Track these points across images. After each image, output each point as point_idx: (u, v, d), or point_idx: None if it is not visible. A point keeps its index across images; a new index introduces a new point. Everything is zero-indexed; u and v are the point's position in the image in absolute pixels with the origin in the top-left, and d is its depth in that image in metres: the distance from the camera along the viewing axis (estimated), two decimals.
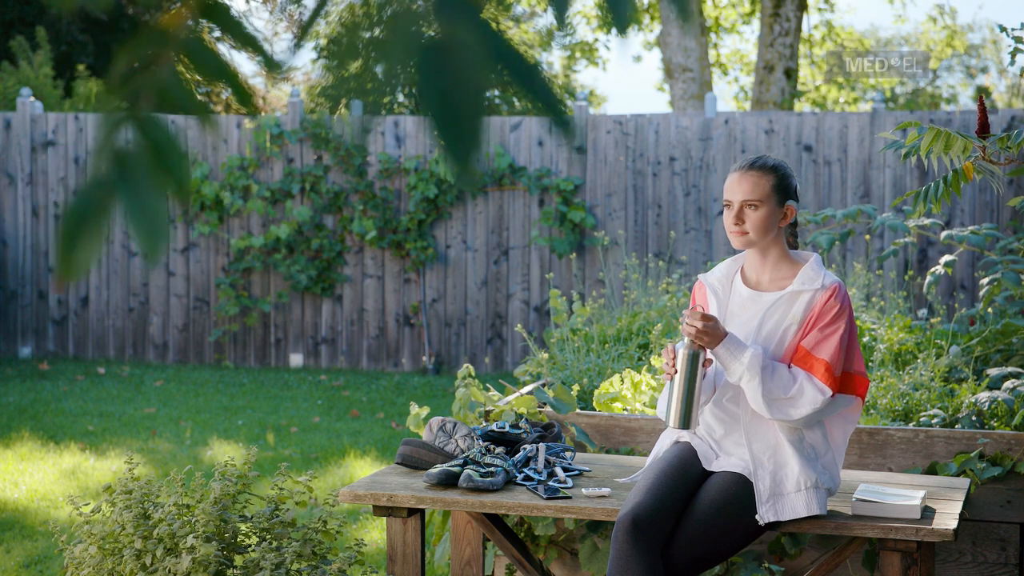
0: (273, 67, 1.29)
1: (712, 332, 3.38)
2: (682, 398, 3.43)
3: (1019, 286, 5.06)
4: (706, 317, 3.39)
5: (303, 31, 1.27)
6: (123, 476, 3.90)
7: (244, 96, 1.25)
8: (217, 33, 1.26)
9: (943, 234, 5.49)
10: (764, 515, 3.41)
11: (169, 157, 1.18)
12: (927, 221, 5.57)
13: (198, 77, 1.21)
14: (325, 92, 1.22)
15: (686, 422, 3.44)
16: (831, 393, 3.39)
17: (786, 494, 3.41)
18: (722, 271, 3.64)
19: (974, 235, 5.33)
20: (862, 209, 5.78)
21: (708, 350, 3.45)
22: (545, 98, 1.18)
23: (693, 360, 3.43)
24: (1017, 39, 4.69)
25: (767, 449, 3.43)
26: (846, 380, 3.47)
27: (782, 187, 3.53)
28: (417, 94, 1.14)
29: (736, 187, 3.52)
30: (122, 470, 6.94)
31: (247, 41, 1.24)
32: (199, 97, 1.21)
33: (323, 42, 1.25)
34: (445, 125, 1.15)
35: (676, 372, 3.43)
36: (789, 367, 3.43)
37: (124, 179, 1.16)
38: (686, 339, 3.44)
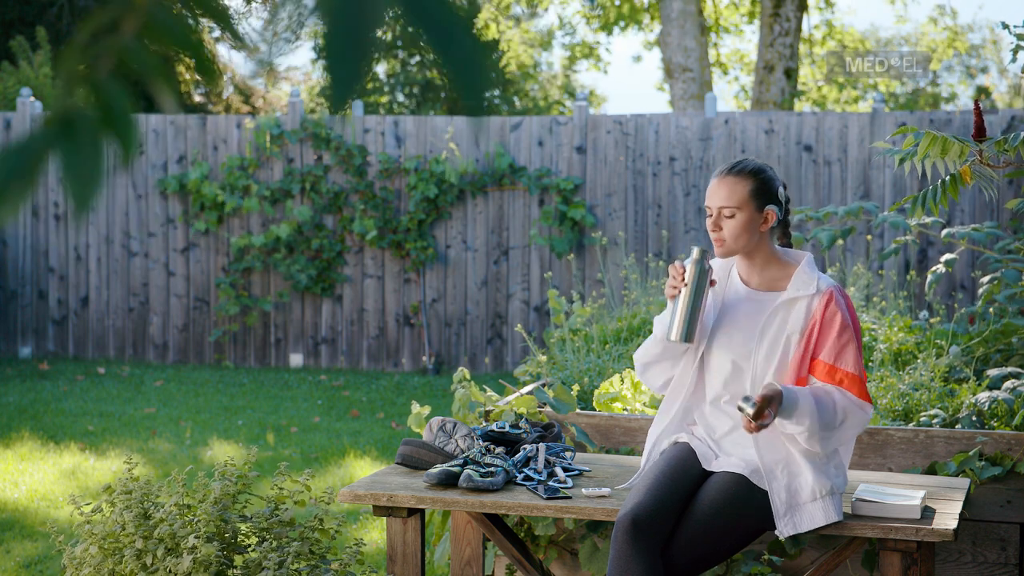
0: (236, 38, 1.29)
1: (774, 403, 3.31)
2: (687, 311, 3.44)
3: (1019, 283, 5.06)
4: (766, 401, 3.26)
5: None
6: (123, 476, 3.90)
7: (207, 68, 1.25)
8: (183, 5, 1.26)
9: (944, 232, 5.49)
10: (783, 530, 3.38)
11: (116, 116, 1.19)
12: (928, 220, 5.57)
13: (163, 45, 1.21)
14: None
15: (688, 335, 3.44)
16: (870, 405, 3.40)
17: (802, 504, 3.39)
18: (720, 264, 3.63)
19: (976, 232, 5.33)
20: (864, 206, 5.78)
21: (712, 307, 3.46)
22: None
23: (702, 275, 3.43)
24: (1019, 36, 4.69)
25: (779, 461, 3.41)
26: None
27: (761, 192, 3.49)
28: (409, 26, 1.14)
29: (714, 193, 3.50)
30: (122, 470, 6.94)
31: (216, 14, 1.24)
32: (161, 64, 1.21)
33: None
34: (447, 57, 1.15)
35: (684, 286, 3.43)
36: (823, 390, 3.38)
37: (66, 133, 1.18)
38: (695, 252, 3.45)
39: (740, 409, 3.26)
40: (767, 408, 3.26)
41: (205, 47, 1.25)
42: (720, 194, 3.48)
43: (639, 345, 6.05)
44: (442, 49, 1.14)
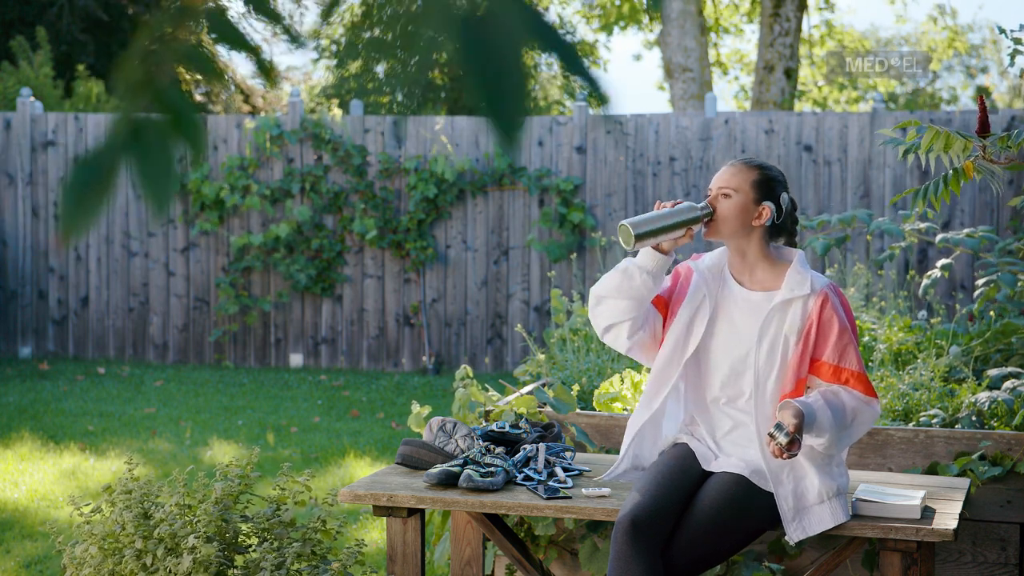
0: (295, 40, 1.31)
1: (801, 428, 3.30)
2: (654, 221, 3.43)
3: (1014, 287, 5.06)
4: (797, 431, 3.25)
5: (331, 6, 1.30)
6: (123, 476, 3.90)
7: (264, 68, 1.28)
8: (241, 9, 1.29)
9: (938, 237, 5.49)
10: (792, 535, 3.38)
11: (184, 120, 1.21)
12: (923, 225, 5.56)
13: (219, 49, 1.24)
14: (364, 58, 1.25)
15: (640, 235, 3.41)
16: (877, 402, 3.41)
17: (809, 507, 3.39)
18: (713, 260, 3.61)
19: (969, 238, 5.33)
20: (857, 215, 5.78)
21: (710, 317, 3.45)
22: (581, 69, 1.20)
23: (690, 216, 3.44)
24: (1016, 41, 4.69)
25: (784, 465, 3.41)
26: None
27: (762, 185, 3.50)
28: (459, 63, 1.17)
29: (719, 176, 3.54)
30: (122, 470, 6.94)
31: (272, 17, 1.26)
32: (219, 66, 1.23)
33: (352, 17, 1.28)
34: (489, 95, 1.16)
35: (670, 206, 3.44)
36: (831, 392, 3.39)
37: (136, 141, 1.20)
38: (704, 204, 3.47)
39: (771, 436, 3.25)
40: (798, 438, 3.25)
41: (260, 49, 1.27)
42: (723, 177, 3.53)
43: None
44: (485, 88, 1.18)
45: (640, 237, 3.41)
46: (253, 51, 1.25)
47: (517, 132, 1.17)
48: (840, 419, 3.35)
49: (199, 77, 1.23)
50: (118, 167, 1.21)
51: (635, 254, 3.51)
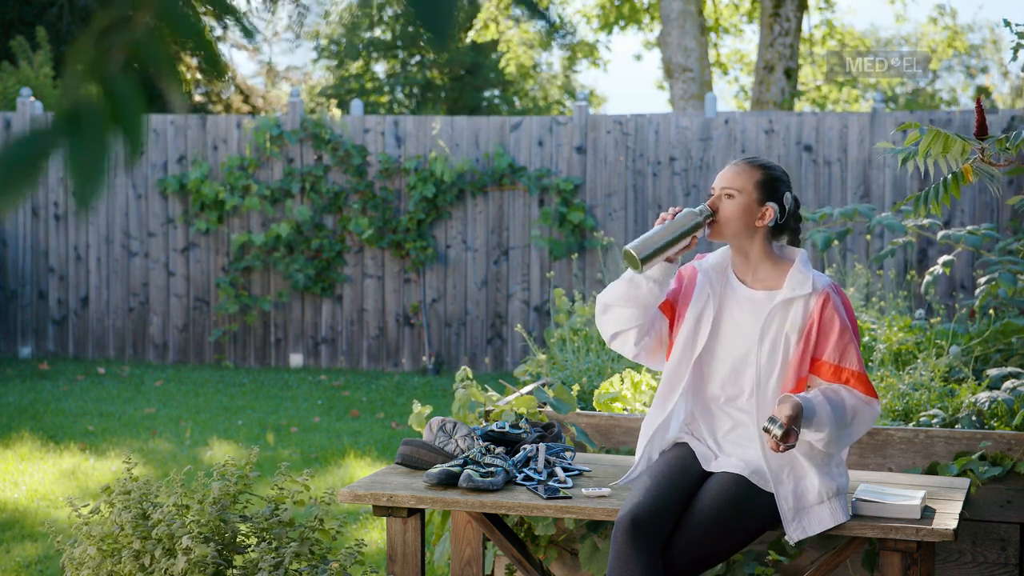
0: (247, 33, 1.30)
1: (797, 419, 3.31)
2: (656, 240, 3.43)
3: (1014, 286, 5.06)
4: (791, 423, 3.26)
5: None
6: (122, 476, 3.90)
7: (215, 62, 1.26)
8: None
9: (940, 234, 5.48)
10: (792, 535, 3.39)
11: (124, 111, 1.19)
12: (926, 221, 5.56)
13: (173, 39, 1.22)
14: None
15: (645, 258, 3.42)
16: (877, 402, 3.42)
17: (810, 507, 3.39)
18: (716, 259, 3.62)
19: (971, 235, 5.33)
20: (859, 209, 5.78)
21: (713, 317, 3.45)
22: None
23: (691, 224, 3.44)
24: (1020, 35, 4.68)
25: (784, 465, 3.41)
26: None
27: (766, 185, 3.50)
28: None
29: (722, 177, 3.54)
30: (121, 470, 6.94)
31: (226, 9, 1.25)
32: (171, 56, 1.22)
33: None
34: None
35: (670, 219, 3.44)
36: (832, 389, 3.40)
37: (72, 127, 1.18)
38: (704, 207, 3.47)
39: (766, 430, 3.25)
40: (794, 429, 3.26)
41: (214, 42, 1.26)
42: (726, 177, 3.52)
43: None
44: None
45: (646, 260, 3.43)
46: (204, 43, 1.24)
47: (446, 38, 1.20)
48: (840, 416, 3.35)
49: (152, 68, 1.22)
50: (49, 151, 1.19)
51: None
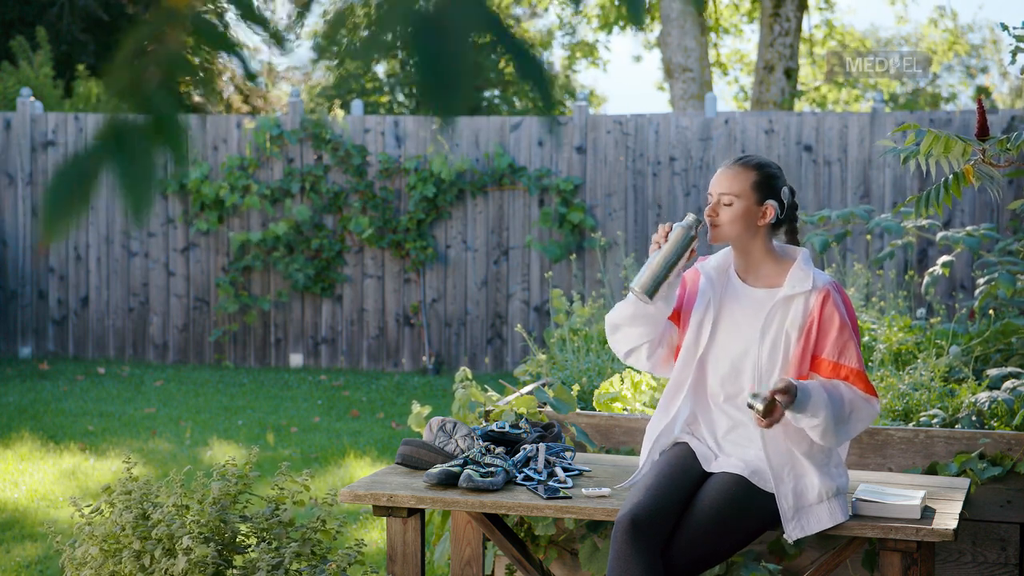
0: (280, 41, 1.31)
1: (788, 400, 3.31)
2: (658, 268, 3.44)
3: (1013, 287, 5.06)
4: (774, 395, 3.26)
5: (304, 7, 1.31)
6: (122, 476, 3.90)
7: (246, 69, 1.28)
8: (229, 10, 1.29)
9: (939, 235, 5.48)
10: (791, 533, 3.39)
11: (167, 126, 1.20)
12: (925, 222, 5.56)
13: (206, 53, 1.23)
14: (324, 49, 1.27)
15: (652, 290, 3.44)
16: (876, 400, 3.41)
17: (809, 506, 3.39)
18: (719, 260, 3.64)
19: (969, 237, 5.33)
20: (855, 212, 5.78)
21: (715, 313, 3.45)
22: (533, 72, 1.23)
23: (685, 240, 3.44)
24: (1018, 38, 4.68)
25: (785, 464, 3.42)
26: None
27: (763, 185, 3.51)
28: (409, 56, 1.20)
29: (718, 181, 3.53)
30: (122, 470, 6.94)
31: (255, 18, 1.26)
32: (207, 68, 1.23)
33: (325, 11, 1.30)
34: (427, 81, 1.20)
35: (665, 243, 3.44)
36: (831, 383, 3.40)
37: (119, 147, 1.19)
38: (688, 218, 3.46)
39: (749, 406, 3.26)
40: (778, 402, 3.26)
41: (247, 51, 1.27)
42: (723, 181, 3.51)
43: None
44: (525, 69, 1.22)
45: (652, 292, 3.45)
46: (239, 56, 1.25)
47: (452, 117, 1.22)
48: (837, 408, 3.35)
49: (188, 82, 1.23)
50: (99, 173, 1.21)
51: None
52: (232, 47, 1.24)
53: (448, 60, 1.20)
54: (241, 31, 1.27)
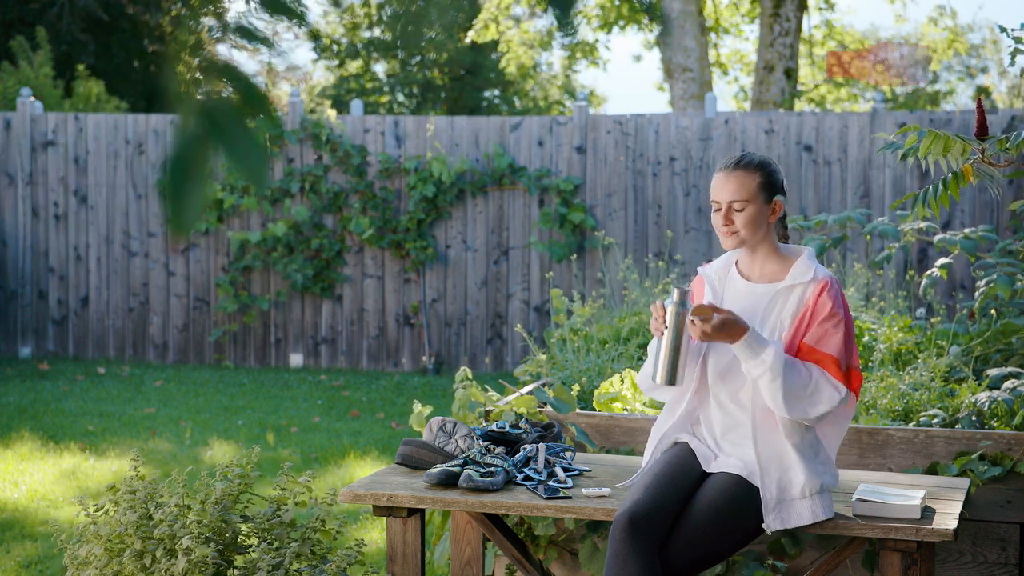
0: (315, 37, 1.33)
1: (729, 330, 3.36)
2: (669, 355, 3.46)
3: (1011, 289, 5.06)
4: (718, 310, 3.37)
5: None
6: (128, 476, 3.90)
7: (307, 24, 1.29)
8: (254, 7, 1.29)
9: (937, 238, 5.48)
10: (771, 524, 3.40)
11: (251, 94, 1.20)
12: (923, 224, 5.56)
13: (267, 12, 1.24)
14: None
15: (672, 378, 3.47)
16: (845, 390, 3.40)
17: (792, 500, 3.40)
18: (720, 264, 3.67)
19: (966, 240, 5.33)
20: (852, 216, 5.78)
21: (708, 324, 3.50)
22: None
23: (681, 317, 3.45)
24: (1017, 40, 4.68)
25: (773, 456, 3.43)
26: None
27: (768, 184, 3.54)
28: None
29: (723, 188, 3.53)
30: (123, 470, 6.94)
31: (291, 13, 1.27)
32: (264, 34, 1.23)
33: None
34: None
35: (666, 329, 3.45)
36: (801, 361, 3.43)
37: (215, 125, 1.19)
38: (675, 295, 3.46)
39: (692, 322, 3.35)
40: (721, 319, 3.33)
41: (277, 43, 1.28)
42: (730, 188, 3.51)
43: (639, 345, 6.06)
44: None
45: (676, 378, 3.48)
46: (296, 16, 1.25)
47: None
48: (795, 377, 3.36)
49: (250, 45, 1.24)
50: (207, 154, 1.20)
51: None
52: (266, 42, 1.24)
53: None
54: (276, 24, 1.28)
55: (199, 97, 1.20)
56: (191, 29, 1.22)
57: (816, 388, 3.38)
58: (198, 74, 1.20)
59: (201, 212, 1.21)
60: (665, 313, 3.46)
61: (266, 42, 1.25)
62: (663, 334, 3.46)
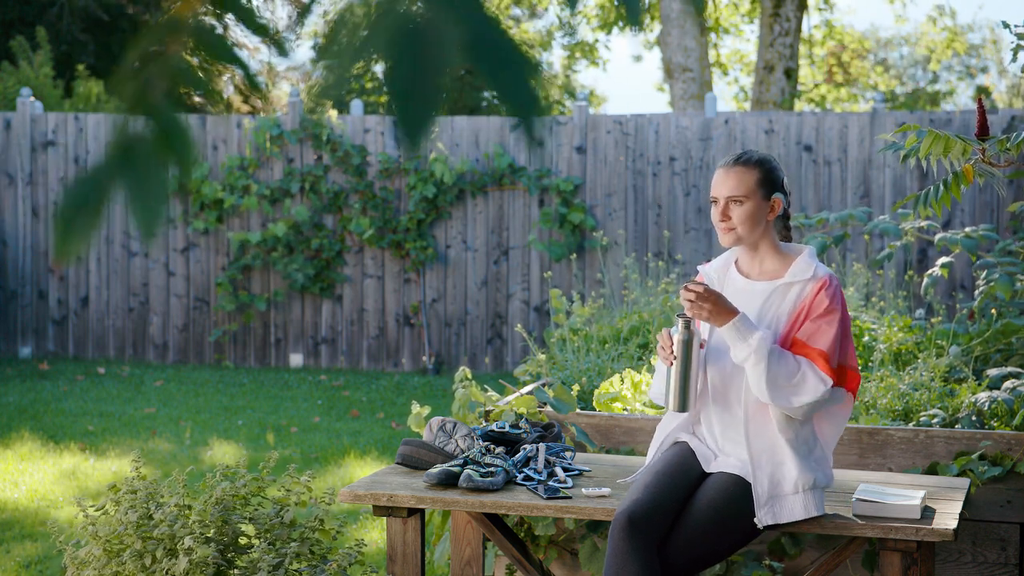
0: (282, 51, 1.31)
1: (715, 308, 3.37)
2: (679, 382, 3.47)
3: (1011, 289, 5.06)
4: (708, 290, 3.39)
5: (304, 11, 1.31)
6: (129, 476, 3.90)
7: (253, 80, 1.28)
8: (229, 19, 1.28)
9: (937, 237, 5.48)
10: (762, 518, 3.40)
11: (174, 138, 1.20)
12: (924, 223, 5.56)
13: (208, 63, 1.23)
14: (323, 65, 1.27)
15: (684, 405, 3.49)
16: (832, 383, 3.39)
17: (784, 496, 3.40)
18: (720, 262, 3.67)
19: (967, 239, 5.32)
20: (854, 214, 5.77)
21: (709, 330, 3.49)
22: (514, 93, 1.22)
23: (687, 345, 3.45)
24: (1020, 36, 4.68)
25: (766, 450, 3.43)
26: (839, 373, 3.47)
27: (767, 181, 3.53)
28: (384, 72, 1.19)
29: (721, 183, 3.53)
30: (123, 470, 6.94)
31: (258, 28, 1.26)
32: (211, 82, 1.23)
33: (323, 20, 1.30)
34: (402, 105, 1.19)
35: (674, 359, 3.46)
36: (791, 352, 3.43)
37: (128, 162, 1.19)
38: (680, 324, 3.46)
39: (685, 287, 3.40)
40: (709, 296, 3.36)
41: (249, 63, 1.27)
42: (728, 184, 3.51)
43: (639, 345, 6.05)
44: (495, 77, 1.20)
45: (684, 406, 3.49)
46: (241, 65, 1.25)
47: (419, 138, 1.21)
48: (781, 365, 3.36)
49: (195, 92, 1.23)
50: (111, 190, 1.20)
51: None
52: (234, 57, 1.24)
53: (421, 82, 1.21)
54: (241, 35, 1.27)
55: (128, 129, 1.20)
56: (160, 33, 1.21)
57: (802, 378, 3.37)
58: (132, 104, 1.20)
59: (88, 243, 1.21)
60: (672, 343, 3.48)
61: (238, 60, 1.25)
62: (672, 363, 3.48)
